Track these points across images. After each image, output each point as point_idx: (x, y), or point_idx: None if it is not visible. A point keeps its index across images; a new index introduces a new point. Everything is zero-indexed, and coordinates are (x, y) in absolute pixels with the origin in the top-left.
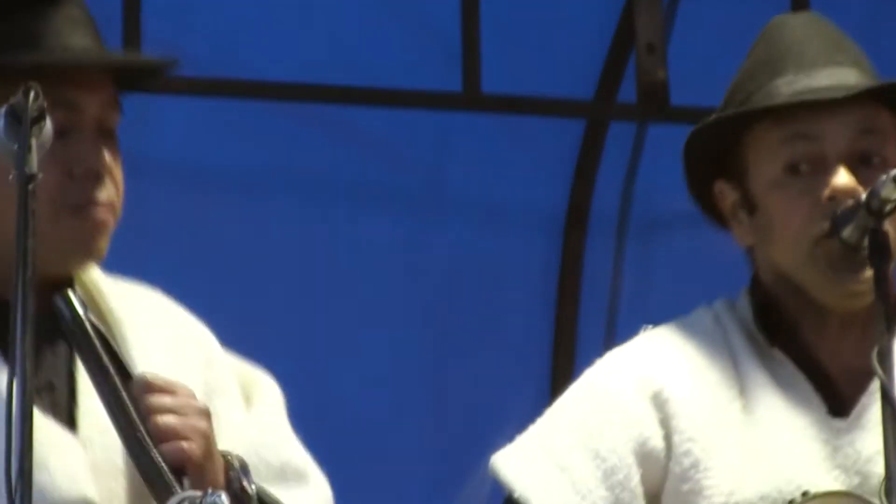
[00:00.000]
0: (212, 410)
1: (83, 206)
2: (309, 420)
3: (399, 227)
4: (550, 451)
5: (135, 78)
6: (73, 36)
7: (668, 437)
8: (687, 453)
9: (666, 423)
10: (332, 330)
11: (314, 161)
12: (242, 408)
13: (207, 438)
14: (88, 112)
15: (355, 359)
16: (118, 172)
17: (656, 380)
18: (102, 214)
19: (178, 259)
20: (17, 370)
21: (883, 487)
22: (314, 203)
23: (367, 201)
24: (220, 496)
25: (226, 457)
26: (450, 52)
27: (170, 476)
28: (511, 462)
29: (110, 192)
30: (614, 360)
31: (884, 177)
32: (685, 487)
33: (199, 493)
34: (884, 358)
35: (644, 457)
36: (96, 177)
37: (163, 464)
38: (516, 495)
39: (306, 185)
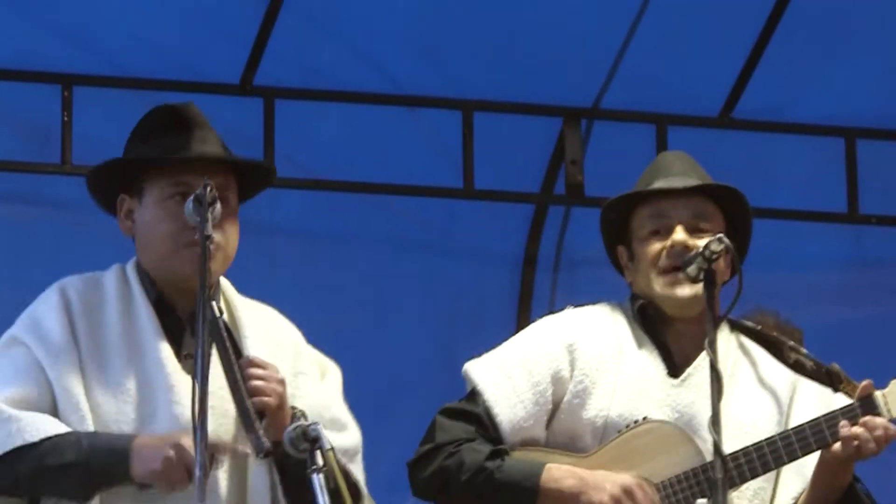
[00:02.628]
0: (297, 385)
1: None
2: (370, 377)
3: (418, 265)
4: (502, 366)
5: (250, 175)
6: (203, 145)
7: (571, 371)
8: (581, 382)
9: (572, 363)
10: (378, 332)
11: (363, 224)
12: (318, 382)
13: (281, 397)
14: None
15: (397, 344)
16: (228, 226)
17: (571, 336)
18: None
19: (288, 292)
20: (198, 355)
21: (710, 421)
22: (365, 249)
23: (398, 249)
24: (318, 425)
25: (294, 408)
26: (454, 159)
27: (255, 416)
28: (477, 367)
29: (217, 237)
30: (550, 321)
31: (714, 236)
32: (576, 401)
33: (307, 422)
34: (712, 345)
35: (556, 380)
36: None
37: (251, 409)
38: (479, 387)
39: (355, 238)
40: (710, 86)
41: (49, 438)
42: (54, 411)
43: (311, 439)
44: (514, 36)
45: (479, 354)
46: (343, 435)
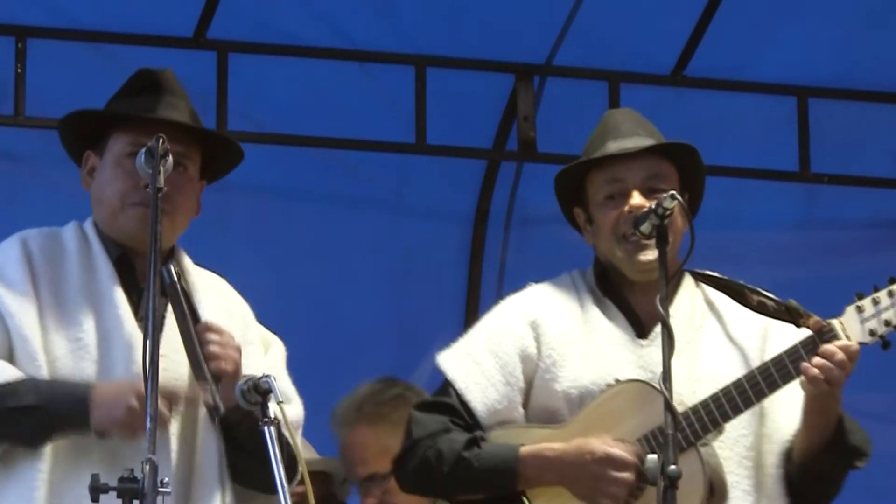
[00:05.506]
0: (245, 354)
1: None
2: (322, 333)
3: (369, 220)
4: (470, 353)
5: (218, 154)
6: (171, 111)
7: (538, 348)
8: (549, 356)
9: (538, 339)
10: (329, 287)
11: (316, 179)
12: (261, 356)
13: (237, 363)
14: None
15: (349, 300)
16: (179, 194)
17: (534, 313)
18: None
19: (240, 246)
20: (149, 307)
21: (660, 377)
22: (317, 204)
23: (350, 204)
24: (271, 377)
25: (245, 376)
26: (407, 114)
27: (211, 380)
28: (447, 358)
29: (162, 203)
30: (512, 301)
31: (665, 194)
32: (547, 376)
33: (258, 375)
34: (663, 302)
35: (524, 358)
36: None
37: (209, 374)
38: (450, 377)
39: (307, 193)
40: (663, 44)
41: (8, 384)
42: (10, 360)
43: (263, 391)
44: None
45: (429, 311)
46: (288, 408)
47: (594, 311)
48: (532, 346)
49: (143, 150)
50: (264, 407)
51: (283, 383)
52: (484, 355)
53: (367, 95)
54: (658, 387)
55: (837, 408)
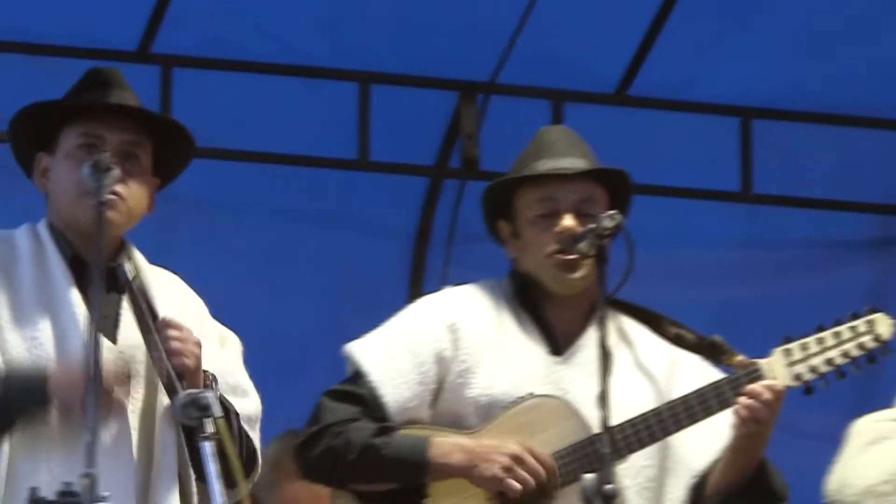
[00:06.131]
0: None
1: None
2: (262, 346)
3: (312, 236)
4: (385, 347)
5: (168, 145)
6: (123, 98)
7: (454, 351)
8: (464, 362)
9: (454, 343)
10: (270, 303)
11: (259, 193)
12: (217, 350)
13: (198, 358)
14: (111, 141)
15: (290, 315)
16: (134, 182)
17: (452, 316)
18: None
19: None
20: (94, 311)
21: (597, 398)
22: (260, 219)
23: (292, 220)
24: (209, 393)
25: (205, 371)
26: (350, 130)
27: (175, 377)
28: (360, 348)
29: (120, 189)
30: (430, 301)
31: (605, 213)
32: (459, 381)
33: (198, 390)
34: (602, 320)
35: (439, 360)
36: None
37: (171, 369)
38: (364, 368)
39: (250, 208)
40: (607, 63)
41: None
42: None
43: (201, 407)
44: (413, 9)
45: (370, 327)
46: (245, 401)
47: (510, 322)
48: (448, 350)
49: (89, 163)
50: (202, 422)
51: (240, 377)
52: (400, 352)
53: (310, 111)
54: (573, 406)
55: (762, 448)
